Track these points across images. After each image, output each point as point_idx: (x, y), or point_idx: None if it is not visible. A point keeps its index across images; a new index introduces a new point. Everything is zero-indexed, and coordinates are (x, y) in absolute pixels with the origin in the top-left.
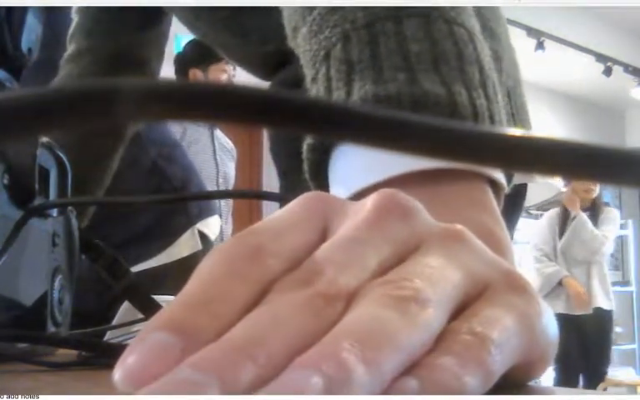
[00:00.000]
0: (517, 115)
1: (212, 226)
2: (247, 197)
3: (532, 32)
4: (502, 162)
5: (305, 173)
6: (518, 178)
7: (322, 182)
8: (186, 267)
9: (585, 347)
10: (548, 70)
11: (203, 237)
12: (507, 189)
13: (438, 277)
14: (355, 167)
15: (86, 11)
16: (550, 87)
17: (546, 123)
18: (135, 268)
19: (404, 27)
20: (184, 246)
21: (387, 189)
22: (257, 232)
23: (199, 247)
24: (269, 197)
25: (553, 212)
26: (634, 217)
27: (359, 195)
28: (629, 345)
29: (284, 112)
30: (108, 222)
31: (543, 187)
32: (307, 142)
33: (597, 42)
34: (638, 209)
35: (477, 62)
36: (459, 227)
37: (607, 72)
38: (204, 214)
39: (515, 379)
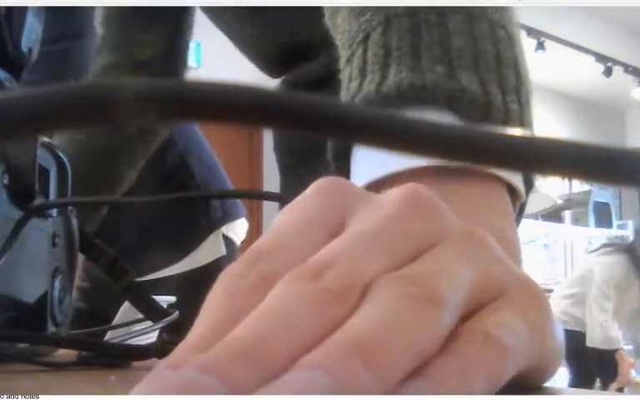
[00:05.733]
0: None
1: (238, 229)
2: (247, 197)
3: (532, 32)
4: (500, 163)
5: (328, 155)
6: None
7: (344, 165)
8: (208, 274)
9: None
10: (548, 70)
11: (228, 241)
12: (524, 198)
13: (454, 277)
14: (374, 154)
15: (109, 24)
16: (550, 88)
17: (546, 124)
18: (154, 276)
19: (447, 20)
20: (207, 251)
21: (413, 184)
22: (267, 255)
23: (223, 252)
24: (269, 197)
25: (624, 258)
26: (634, 217)
27: (377, 183)
28: (629, 345)
29: (285, 112)
30: (123, 226)
31: (540, 198)
32: None
33: (597, 42)
34: (638, 209)
35: (514, 67)
36: (481, 230)
37: (608, 72)
38: (229, 217)
39: (520, 383)
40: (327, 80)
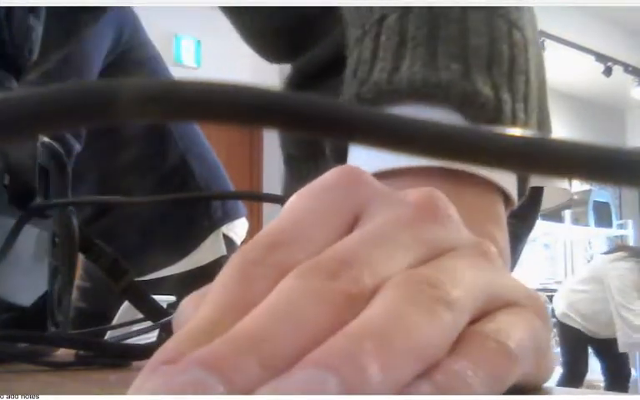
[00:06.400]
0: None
1: (238, 229)
2: (248, 199)
3: None
4: (500, 163)
5: (327, 154)
6: (534, 182)
7: (344, 159)
8: (208, 274)
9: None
10: (548, 70)
11: (228, 241)
12: (515, 205)
13: (465, 282)
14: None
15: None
16: (550, 87)
17: None
18: (154, 276)
19: (468, 16)
20: (208, 251)
21: (428, 189)
22: (285, 242)
23: (223, 252)
24: (270, 199)
25: (638, 264)
26: (634, 217)
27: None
28: None
29: (285, 112)
30: (123, 226)
31: (555, 191)
32: None
33: (597, 41)
34: (638, 209)
35: (525, 73)
36: (490, 244)
37: (607, 71)
38: (230, 217)
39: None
40: (337, 64)
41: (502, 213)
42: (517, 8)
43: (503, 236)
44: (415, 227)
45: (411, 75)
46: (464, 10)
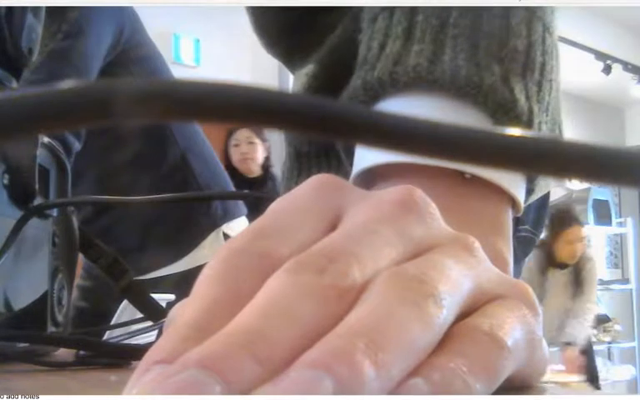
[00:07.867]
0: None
1: (238, 228)
2: (247, 198)
3: None
4: (499, 163)
5: (341, 153)
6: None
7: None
8: None
9: None
10: None
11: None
12: (521, 211)
13: (451, 278)
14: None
15: None
16: None
17: None
18: (154, 275)
19: (511, 15)
20: (208, 250)
21: (407, 186)
22: (268, 233)
23: None
24: (268, 198)
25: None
26: (633, 215)
27: (368, 172)
28: (629, 343)
29: (283, 112)
30: (124, 225)
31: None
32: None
33: (596, 39)
34: (637, 207)
35: (551, 82)
36: (473, 239)
37: (607, 69)
38: (230, 216)
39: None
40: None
41: (508, 221)
42: (552, 10)
43: (508, 247)
44: (396, 222)
45: (454, 70)
46: (508, 9)
